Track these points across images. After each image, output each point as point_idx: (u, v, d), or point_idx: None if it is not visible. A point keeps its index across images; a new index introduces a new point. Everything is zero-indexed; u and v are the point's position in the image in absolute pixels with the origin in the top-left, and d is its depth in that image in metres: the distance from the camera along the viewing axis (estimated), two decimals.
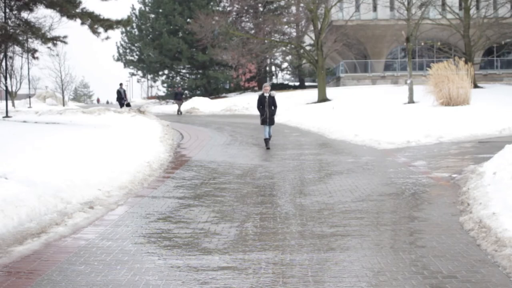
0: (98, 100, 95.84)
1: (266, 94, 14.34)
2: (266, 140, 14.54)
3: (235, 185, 9.33)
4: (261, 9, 44.75)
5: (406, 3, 28.54)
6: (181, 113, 33.62)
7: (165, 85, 52.02)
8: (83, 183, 8.20)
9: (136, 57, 51.99)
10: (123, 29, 45.52)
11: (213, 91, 47.77)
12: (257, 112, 15.41)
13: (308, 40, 42.04)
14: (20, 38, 20.52)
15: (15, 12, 20.48)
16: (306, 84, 50.81)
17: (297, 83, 51.59)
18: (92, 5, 20.27)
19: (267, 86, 14.56)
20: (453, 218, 6.62)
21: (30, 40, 22.59)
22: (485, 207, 6.42)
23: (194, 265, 5.08)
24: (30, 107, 39.58)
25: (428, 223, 6.48)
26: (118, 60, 52.14)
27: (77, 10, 18.63)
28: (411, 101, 25.84)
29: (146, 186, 9.21)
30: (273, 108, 14.43)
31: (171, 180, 9.82)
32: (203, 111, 34.36)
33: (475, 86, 28.23)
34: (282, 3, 42.83)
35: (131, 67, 53.11)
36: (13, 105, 40.41)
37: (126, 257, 5.30)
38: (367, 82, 43.43)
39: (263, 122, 14.45)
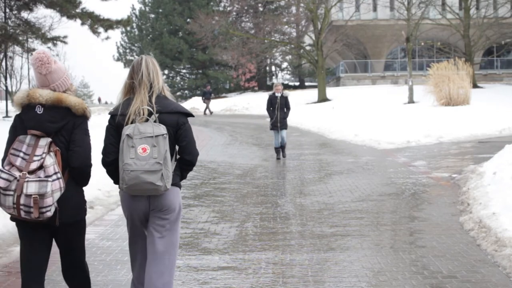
0: (99, 100, 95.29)
1: (278, 94, 12.52)
2: (277, 150, 12.65)
3: (235, 185, 9.33)
4: (261, 9, 44.73)
5: (406, 3, 28.55)
6: (211, 112, 31.93)
7: (165, 85, 51.95)
8: None
9: (136, 57, 51.96)
10: (123, 29, 45.45)
11: (213, 91, 47.76)
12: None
13: (308, 40, 42.02)
14: (20, 38, 20.53)
15: (15, 12, 20.50)
16: (306, 84, 50.76)
17: (297, 83, 51.54)
18: (92, 5, 20.35)
19: (279, 85, 12.82)
20: (453, 218, 6.63)
21: (30, 40, 22.60)
22: (485, 207, 6.42)
23: (194, 265, 5.08)
24: None
25: (428, 223, 6.48)
26: (118, 60, 52.08)
27: (77, 10, 18.65)
28: (411, 101, 25.84)
29: None
30: (285, 110, 12.61)
31: None
32: (203, 111, 34.36)
33: (475, 86, 28.22)
34: (282, 3, 42.81)
35: None
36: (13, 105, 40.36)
37: (126, 257, 5.30)
38: (367, 82, 43.41)
39: (273, 126, 12.52)
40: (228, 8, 46.25)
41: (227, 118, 28.61)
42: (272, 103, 12.59)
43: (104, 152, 3.43)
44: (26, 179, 3.10)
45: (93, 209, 7.30)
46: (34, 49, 22.46)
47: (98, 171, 9.17)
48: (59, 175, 3.20)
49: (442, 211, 7.03)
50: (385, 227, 6.39)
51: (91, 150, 3.39)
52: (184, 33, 45.36)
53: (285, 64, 50.79)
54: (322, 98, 32.81)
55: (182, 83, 49.94)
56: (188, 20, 43.81)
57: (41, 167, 3.17)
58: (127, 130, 3.28)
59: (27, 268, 3.30)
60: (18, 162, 3.18)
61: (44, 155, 3.20)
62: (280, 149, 12.60)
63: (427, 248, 5.44)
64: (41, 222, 3.22)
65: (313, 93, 34.90)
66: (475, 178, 8.06)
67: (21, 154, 3.20)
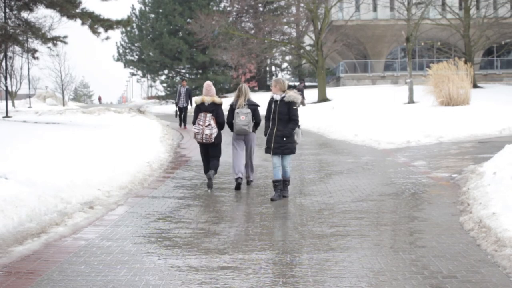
0: (99, 99, 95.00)
1: (277, 97, 8.09)
2: (276, 184, 8.11)
3: (235, 185, 9.32)
4: (261, 9, 44.76)
5: (406, 3, 28.55)
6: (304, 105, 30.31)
7: (165, 85, 51.95)
8: (83, 183, 8.19)
9: (136, 57, 51.93)
10: (123, 29, 45.36)
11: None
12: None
13: (308, 40, 42.03)
14: (20, 38, 20.50)
15: (15, 12, 20.47)
16: (306, 84, 50.76)
17: (297, 83, 51.55)
18: (92, 5, 20.27)
19: (279, 83, 8.16)
20: (453, 218, 6.62)
21: (30, 40, 22.59)
22: (485, 207, 6.42)
23: (194, 265, 5.08)
24: (30, 107, 39.56)
25: (428, 223, 6.48)
26: (118, 60, 52.09)
27: (77, 10, 18.60)
28: (411, 101, 25.84)
29: (146, 186, 9.22)
30: (288, 120, 8.06)
31: (171, 180, 9.82)
32: None
33: (475, 86, 28.24)
34: (282, 3, 42.84)
35: (131, 67, 53.06)
36: (13, 105, 40.36)
37: (126, 257, 5.30)
38: (367, 82, 43.44)
39: (267, 148, 8.13)
40: (228, 8, 46.25)
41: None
42: (269, 112, 8.20)
43: (228, 119, 8.95)
44: (205, 129, 8.71)
45: (93, 209, 7.30)
46: (34, 49, 22.47)
47: (98, 172, 9.16)
48: (215, 126, 8.79)
49: (442, 211, 7.03)
50: (385, 227, 6.39)
51: (224, 116, 8.91)
52: (184, 33, 45.34)
53: (285, 64, 50.83)
54: (322, 98, 32.83)
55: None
56: (189, 20, 43.79)
57: (209, 124, 8.71)
58: (237, 110, 8.78)
59: (204, 162, 9.21)
60: (201, 122, 8.76)
61: (210, 119, 8.74)
62: (281, 183, 8.16)
63: (427, 248, 5.44)
64: (209, 142, 8.78)
65: (313, 93, 34.89)
66: (475, 178, 8.05)
67: (201, 120, 8.78)
